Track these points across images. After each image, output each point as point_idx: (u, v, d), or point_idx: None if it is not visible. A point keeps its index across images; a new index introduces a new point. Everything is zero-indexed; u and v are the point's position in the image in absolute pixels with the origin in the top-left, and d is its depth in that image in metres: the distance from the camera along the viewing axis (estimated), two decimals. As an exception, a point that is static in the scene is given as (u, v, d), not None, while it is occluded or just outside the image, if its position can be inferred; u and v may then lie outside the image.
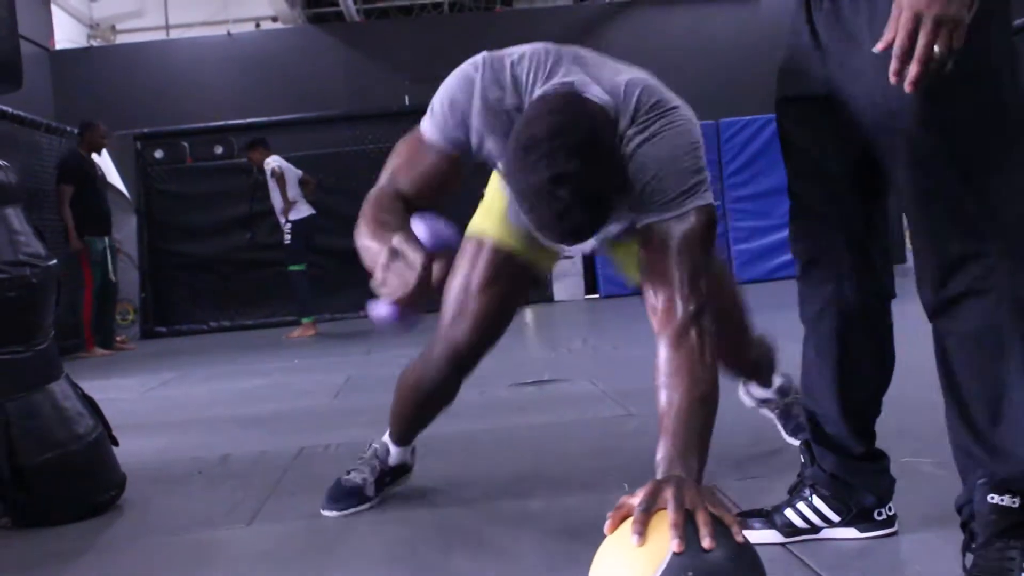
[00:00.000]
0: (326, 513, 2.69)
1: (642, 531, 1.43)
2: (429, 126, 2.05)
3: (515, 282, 2.49)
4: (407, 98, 11.36)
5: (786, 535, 2.10)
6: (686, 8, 12.14)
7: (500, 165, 2.05)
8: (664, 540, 1.41)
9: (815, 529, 2.09)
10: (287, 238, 8.90)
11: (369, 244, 1.88)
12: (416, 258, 1.75)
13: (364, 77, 11.70)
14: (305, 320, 9.15)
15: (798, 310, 2.13)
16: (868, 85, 1.76)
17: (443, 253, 1.85)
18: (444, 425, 2.82)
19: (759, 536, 2.07)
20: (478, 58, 2.03)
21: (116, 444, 3.11)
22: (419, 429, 2.74)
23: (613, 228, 2.22)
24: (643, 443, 2.46)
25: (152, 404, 5.51)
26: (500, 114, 1.97)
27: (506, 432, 3.69)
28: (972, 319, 1.75)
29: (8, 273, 2.88)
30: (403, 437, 2.74)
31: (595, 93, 1.87)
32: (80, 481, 2.93)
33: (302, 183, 8.99)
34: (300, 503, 2.87)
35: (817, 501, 2.09)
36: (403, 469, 2.80)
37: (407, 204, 2.02)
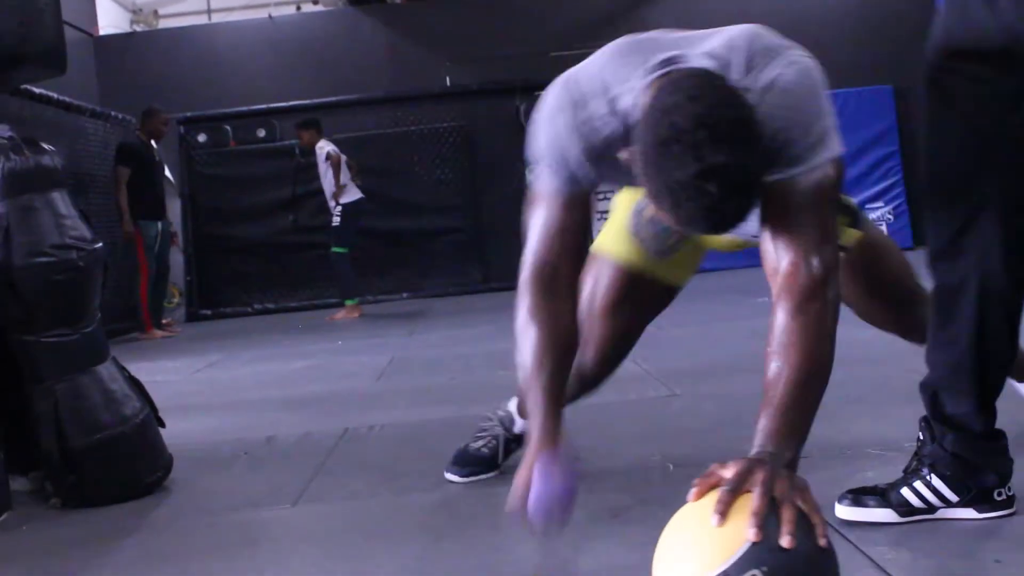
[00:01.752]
0: (451, 477, 2.69)
1: (725, 511, 1.38)
2: (546, 181, 1.92)
3: (642, 301, 2.42)
4: (448, 79, 11.35)
5: (902, 515, 2.02)
6: (726, -14, 12.02)
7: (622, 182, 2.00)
8: (742, 527, 1.35)
9: (932, 509, 2.02)
10: (336, 220, 8.91)
11: (522, 355, 1.89)
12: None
13: (405, 58, 11.68)
14: (349, 302, 9.18)
15: (930, 282, 2.07)
16: None
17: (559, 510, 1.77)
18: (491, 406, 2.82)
19: (873, 515, 2.02)
20: (557, 86, 1.91)
21: (163, 426, 3.14)
22: None
23: None
24: (687, 423, 2.46)
25: (198, 386, 5.56)
26: (602, 138, 1.84)
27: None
28: None
29: (55, 256, 2.91)
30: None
31: (705, 62, 1.75)
32: (127, 462, 2.96)
33: (349, 167, 9.01)
34: (345, 484, 2.88)
35: (936, 481, 2.01)
36: (523, 439, 2.76)
37: (562, 275, 1.94)
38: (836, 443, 2.74)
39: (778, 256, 1.73)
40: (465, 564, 2.10)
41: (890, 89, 11.29)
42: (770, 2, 11.63)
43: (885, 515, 2.03)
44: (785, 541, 1.34)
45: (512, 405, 2.73)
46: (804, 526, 1.38)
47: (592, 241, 2.18)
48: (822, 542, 1.39)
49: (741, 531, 1.35)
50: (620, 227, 2.41)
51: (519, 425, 2.68)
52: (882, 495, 2.05)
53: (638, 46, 1.84)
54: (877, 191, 11.17)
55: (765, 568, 1.33)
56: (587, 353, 2.38)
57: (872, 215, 11.14)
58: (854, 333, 5.07)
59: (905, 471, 2.08)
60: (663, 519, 1.51)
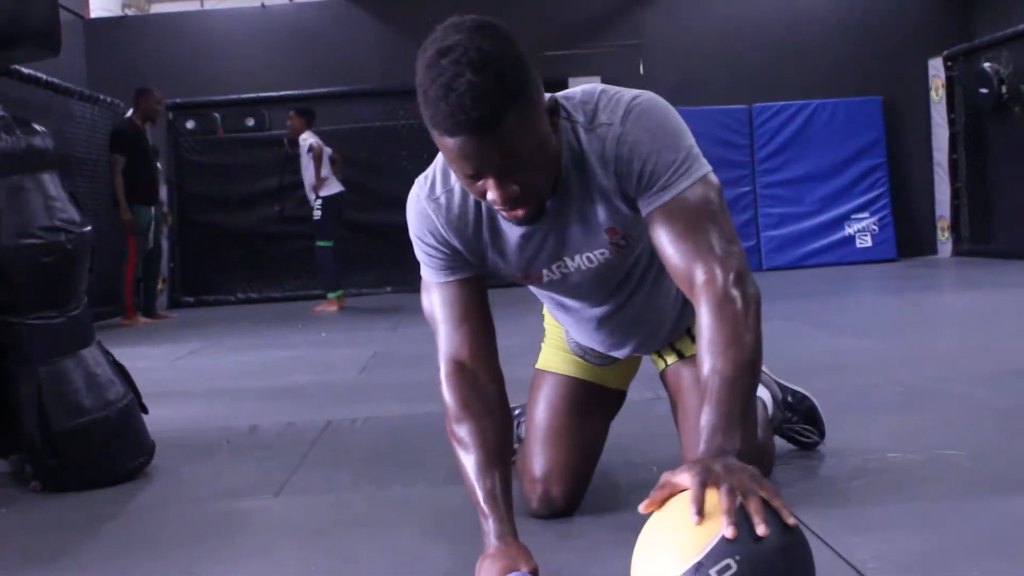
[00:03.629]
0: None
1: (702, 509, 1.39)
2: (429, 273, 2.03)
3: (600, 406, 2.44)
4: (439, 75, 11.32)
5: None
6: (722, -9, 12.04)
7: (501, 264, 2.04)
8: (714, 522, 1.38)
9: None
10: (317, 214, 8.91)
11: (461, 469, 1.89)
12: None
13: (397, 52, 11.62)
14: (331, 295, 9.16)
15: None
16: None
17: None
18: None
19: None
20: (414, 183, 2.04)
21: (146, 412, 3.13)
22: None
23: (600, 213, 1.99)
24: (672, 428, 2.46)
25: (180, 373, 5.54)
26: (456, 212, 1.96)
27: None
28: None
29: (43, 238, 2.90)
30: None
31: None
32: (110, 447, 2.95)
33: (332, 161, 9.00)
34: (328, 476, 2.88)
35: None
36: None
37: (479, 363, 1.97)
38: (820, 451, 2.75)
39: (690, 269, 1.78)
40: (448, 558, 2.10)
41: (879, 100, 11.32)
42: (760, 12, 11.66)
43: None
44: (760, 529, 1.36)
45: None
46: (770, 511, 1.41)
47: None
48: (790, 521, 1.41)
49: (712, 525, 1.38)
50: (560, 346, 2.46)
51: None
52: None
53: None
54: (863, 202, 11.20)
55: (738, 557, 1.35)
56: (555, 482, 2.32)
57: (857, 226, 11.19)
58: (841, 342, 5.12)
59: None
60: (639, 523, 1.51)
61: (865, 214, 11.21)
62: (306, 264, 10.17)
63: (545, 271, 2.05)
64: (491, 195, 1.72)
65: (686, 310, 2.31)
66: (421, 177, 2.02)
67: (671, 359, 2.39)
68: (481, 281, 2.02)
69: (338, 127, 10.52)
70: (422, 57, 1.65)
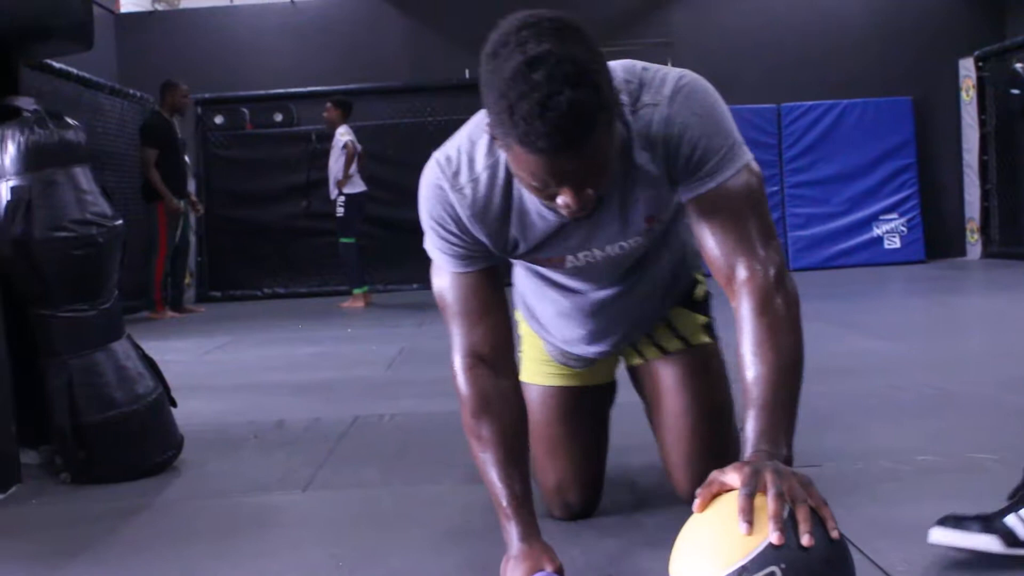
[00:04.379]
0: None
1: (751, 519, 1.37)
2: (444, 260, 1.92)
3: (586, 413, 2.38)
4: (467, 71, 11.33)
5: (1008, 544, 1.84)
6: (751, -10, 12.00)
7: (518, 254, 1.95)
8: (760, 527, 1.36)
9: None
10: (340, 211, 8.93)
11: (481, 465, 1.87)
12: None
13: (425, 49, 11.67)
14: (357, 291, 9.18)
15: None
16: None
17: None
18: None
19: (974, 541, 1.86)
20: (431, 161, 1.88)
21: (175, 405, 3.15)
22: None
23: (639, 204, 1.90)
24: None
25: (208, 367, 5.56)
26: (482, 204, 1.84)
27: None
28: None
29: (75, 232, 2.91)
30: None
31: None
32: (139, 440, 2.96)
33: (358, 157, 9.01)
34: (355, 472, 2.89)
35: None
36: None
37: (498, 355, 1.92)
38: (849, 453, 2.74)
39: (729, 262, 1.75)
40: (474, 555, 2.11)
41: (909, 100, 11.24)
42: (789, 10, 11.61)
43: (988, 542, 1.86)
44: (805, 540, 1.35)
45: None
46: (816, 521, 1.39)
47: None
48: (834, 534, 1.39)
49: (758, 530, 1.36)
50: (540, 357, 2.38)
51: None
52: (986, 521, 1.87)
53: None
54: (892, 203, 11.12)
55: (784, 565, 1.33)
56: (568, 491, 2.32)
57: (886, 227, 11.12)
58: (868, 344, 5.08)
59: (1010, 497, 1.92)
60: (663, 522, 1.51)
61: (894, 215, 11.14)
62: (332, 260, 10.19)
63: (570, 257, 1.97)
64: (563, 201, 1.59)
65: (667, 299, 2.26)
66: (441, 157, 1.86)
67: (651, 354, 2.31)
68: (497, 270, 1.95)
69: (366, 123, 10.51)
70: (502, 65, 1.50)
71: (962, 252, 11.38)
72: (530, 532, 1.78)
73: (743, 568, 1.35)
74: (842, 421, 3.15)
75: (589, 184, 1.59)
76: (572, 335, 2.26)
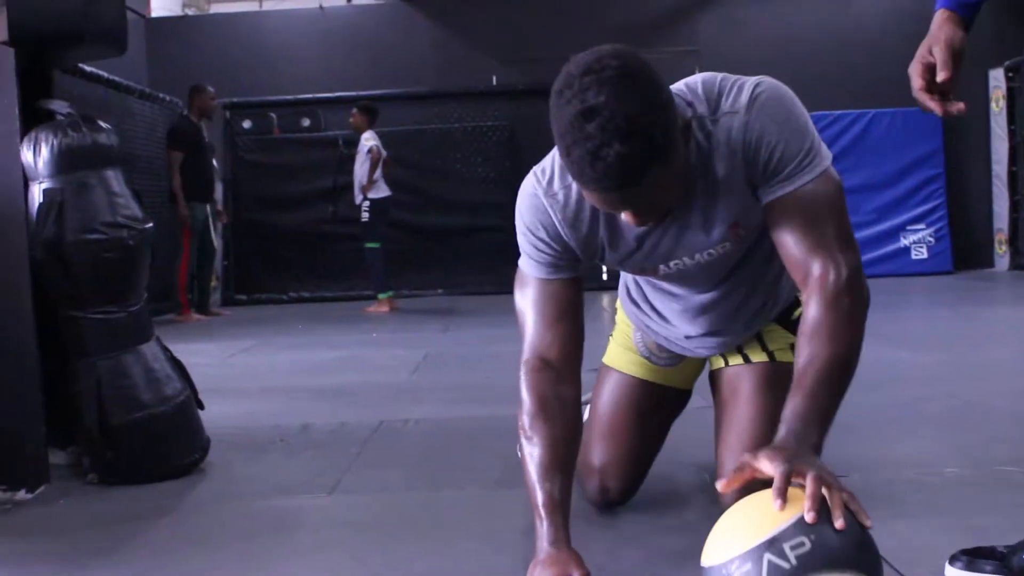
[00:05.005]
0: None
1: (785, 498, 1.42)
2: (532, 268, 1.99)
3: (653, 409, 2.42)
4: (494, 78, 11.36)
5: None
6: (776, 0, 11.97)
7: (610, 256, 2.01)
8: (793, 505, 1.41)
9: None
10: (364, 215, 8.96)
11: (524, 466, 1.88)
12: None
13: (453, 56, 11.70)
14: (381, 296, 9.21)
15: None
16: None
17: None
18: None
19: None
20: (528, 175, 1.99)
21: (202, 408, 3.16)
22: None
23: (721, 215, 1.95)
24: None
25: (234, 370, 5.59)
26: (573, 209, 1.92)
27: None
28: None
29: (106, 234, 2.94)
30: None
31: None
32: (166, 442, 2.98)
33: (384, 163, 9.04)
34: (381, 476, 2.90)
35: None
36: None
37: (565, 364, 1.95)
38: (874, 463, 2.73)
39: (807, 263, 1.79)
40: (498, 562, 2.11)
41: (938, 110, 11.17)
42: (817, 19, 11.57)
43: None
44: (838, 523, 1.40)
45: None
46: (847, 513, 1.44)
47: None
48: (867, 523, 1.45)
49: (791, 507, 1.42)
50: (627, 344, 2.44)
51: None
52: (1001, 560, 1.81)
53: None
54: (919, 213, 11.06)
55: (813, 537, 1.38)
56: (610, 474, 2.37)
57: (913, 237, 11.06)
58: (895, 354, 5.06)
59: None
60: (698, 527, 1.52)
61: (921, 225, 11.08)
62: (357, 265, 10.21)
63: (662, 266, 2.04)
64: (626, 217, 1.73)
65: (766, 307, 2.27)
66: (538, 169, 1.97)
67: (734, 360, 2.32)
68: (580, 283, 2.01)
69: (393, 129, 10.53)
70: (564, 108, 1.59)
71: (990, 263, 11.31)
72: (559, 536, 1.78)
73: (773, 539, 1.39)
74: (868, 431, 3.13)
75: (646, 210, 1.71)
76: (674, 332, 2.32)
